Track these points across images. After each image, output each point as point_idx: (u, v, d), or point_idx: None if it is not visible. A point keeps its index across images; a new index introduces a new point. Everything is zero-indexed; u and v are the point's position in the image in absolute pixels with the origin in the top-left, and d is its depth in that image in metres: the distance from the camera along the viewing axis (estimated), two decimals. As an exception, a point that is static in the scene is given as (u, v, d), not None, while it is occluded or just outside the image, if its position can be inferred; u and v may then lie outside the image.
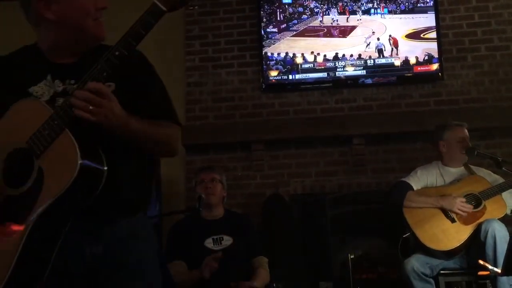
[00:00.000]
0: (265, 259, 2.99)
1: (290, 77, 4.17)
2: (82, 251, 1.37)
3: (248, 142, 4.08)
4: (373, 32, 4.15)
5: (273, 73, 4.18)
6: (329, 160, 4.11)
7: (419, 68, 4.09)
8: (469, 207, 3.02)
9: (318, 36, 4.22)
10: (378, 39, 4.14)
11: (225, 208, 3.14)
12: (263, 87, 4.19)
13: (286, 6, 4.27)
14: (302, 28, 4.24)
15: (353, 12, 4.21)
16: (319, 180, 4.09)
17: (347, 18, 4.21)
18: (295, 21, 4.25)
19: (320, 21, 4.23)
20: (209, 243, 2.91)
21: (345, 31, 4.19)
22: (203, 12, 4.35)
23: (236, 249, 2.91)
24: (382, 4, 4.19)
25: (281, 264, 3.42)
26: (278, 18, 4.25)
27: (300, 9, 4.26)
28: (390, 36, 4.13)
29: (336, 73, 4.14)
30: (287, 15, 4.26)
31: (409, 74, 4.11)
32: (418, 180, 3.20)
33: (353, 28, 4.19)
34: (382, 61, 4.12)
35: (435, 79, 4.11)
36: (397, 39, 4.12)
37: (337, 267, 3.78)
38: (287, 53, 4.18)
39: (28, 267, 1.26)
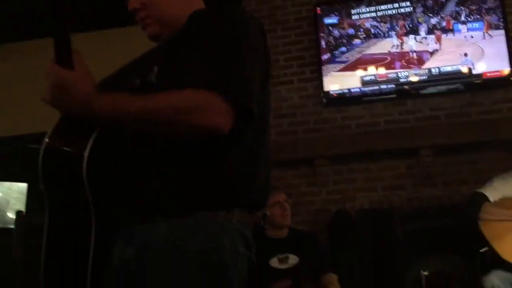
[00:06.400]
0: (335, 276, 2.91)
1: (352, 90, 4.09)
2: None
3: (311, 157, 4.02)
4: (465, 54, 3.94)
5: (334, 87, 4.11)
6: (396, 174, 3.97)
7: (488, 74, 3.89)
8: None
9: (385, 65, 4.04)
10: (466, 54, 3.93)
11: (289, 226, 3.09)
12: (324, 101, 4.13)
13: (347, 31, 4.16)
14: (367, 53, 4.08)
15: (431, 31, 4.00)
16: (387, 194, 3.96)
17: (427, 39, 3.99)
18: (359, 42, 4.13)
19: (394, 46, 4.04)
20: (274, 262, 2.87)
21: (419, 59, 3.99)
22: (261, 30, 4.37)
23: (303, 269, 2.85)
24: (467, 18, 3.96)
25: (350, 283, 3.32)
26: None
27: (361, 30, 4.13)
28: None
29: (400, 83, 4.02)
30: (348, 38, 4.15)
31: (478, 81, 3.91)
32: (495, 190, 3.01)
33: (433, 52, 3.98)
34: (448, 69, 3.95)
35: (506, 84, 3.89)
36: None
37: (410, 285, 3.62)
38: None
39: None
